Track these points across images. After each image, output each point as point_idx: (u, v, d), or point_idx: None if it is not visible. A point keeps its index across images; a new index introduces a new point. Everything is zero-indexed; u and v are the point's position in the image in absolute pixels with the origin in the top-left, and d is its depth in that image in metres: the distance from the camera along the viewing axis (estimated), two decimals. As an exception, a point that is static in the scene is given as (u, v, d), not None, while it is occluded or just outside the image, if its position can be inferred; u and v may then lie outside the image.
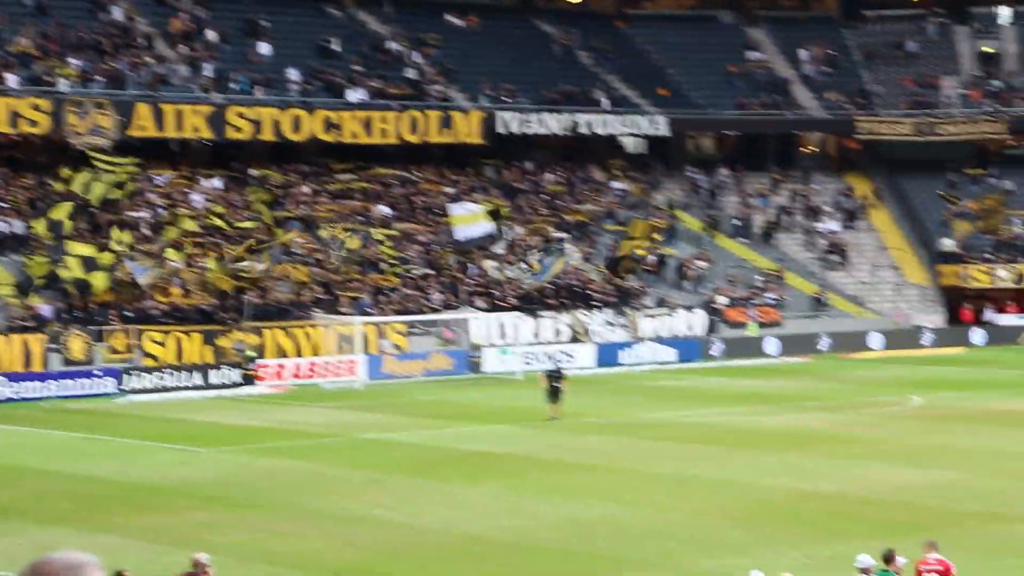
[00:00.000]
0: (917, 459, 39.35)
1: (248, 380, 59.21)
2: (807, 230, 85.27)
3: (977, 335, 79.78)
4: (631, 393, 57.31)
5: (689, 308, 73.88)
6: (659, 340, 71.32)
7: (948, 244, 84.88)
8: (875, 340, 76.33)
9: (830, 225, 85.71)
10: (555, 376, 48.13)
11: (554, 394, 47.67)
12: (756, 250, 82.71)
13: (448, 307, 68.92)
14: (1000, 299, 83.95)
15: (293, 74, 76.64)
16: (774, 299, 77.70)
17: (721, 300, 76.06)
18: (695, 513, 32.27)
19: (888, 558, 20.75)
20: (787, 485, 35.75)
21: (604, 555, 28.11)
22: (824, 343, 74.80)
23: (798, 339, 74.48)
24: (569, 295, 72.56)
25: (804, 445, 42.25)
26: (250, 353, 60.41)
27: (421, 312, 67.50)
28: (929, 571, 20.91)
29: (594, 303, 72.40)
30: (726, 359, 71.24)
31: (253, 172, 74.25)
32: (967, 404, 51.95)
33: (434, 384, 61.32)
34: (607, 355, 69.22)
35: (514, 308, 69.58)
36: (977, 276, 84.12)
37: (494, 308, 69.43)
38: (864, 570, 20.49)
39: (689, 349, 71.61)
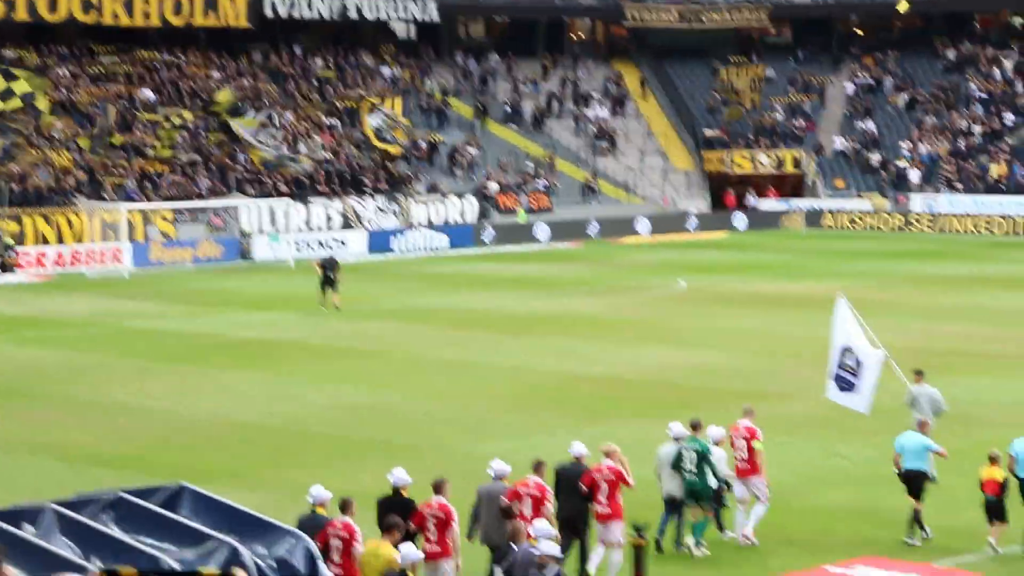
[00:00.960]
0: (683, 341, 40.26)
1: (7, 268, 57.36)
2: (576, 117, 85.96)
3: (740, 220, 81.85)
4: (404, 280, 57.27)
5: (460, 195, 73.95)
6: (431, 227, 71.36)
7: (711, 131, 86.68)
8: (642, 225, 77.67)
9: (599, 112, 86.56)
10: (330, 265, 47.66)
11: (329, 283, 47.25)
12: (526, 136, 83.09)
13: (216, 194, 67.66)
14: (761, 184, 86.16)
15: (50, -49, 73.60)
16: (544, 185, 78.32)
17: (492, 186, 76.32)
18: (468, 398, 32.48)
19: (695, 426, 21.29)
20: (559, 368, 36.24)
21: (376, 440, 28.12)
22: (593, 229, 75.81)
23: (568, 225, 75.32)
24: (340, 182, 71.92)
25: (575, 329, 42.85)
26: (7, 241, 58.47)
27: (189, 199, 66.13)
28: (739, 437, 21.54)
29: (365, 190, 71.93)
30: (497, 245, 71.70)
31: (9, 54, 71.32)
32: (731, 287, 53.30)
33: (203, 272, 60.34)
34: (379, 242, 69.00)
35: (284, 195, 68.68)
36: (739, 162, 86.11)
37: (264, 194, 68.40)
38: (676, 438, 21.06)
39: (461, 235, 71.83)
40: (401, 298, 50.97)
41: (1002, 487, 20.85)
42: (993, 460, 21.09)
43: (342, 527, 16.69)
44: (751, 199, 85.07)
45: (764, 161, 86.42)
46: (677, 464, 20.69)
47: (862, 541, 21.12)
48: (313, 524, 16.88)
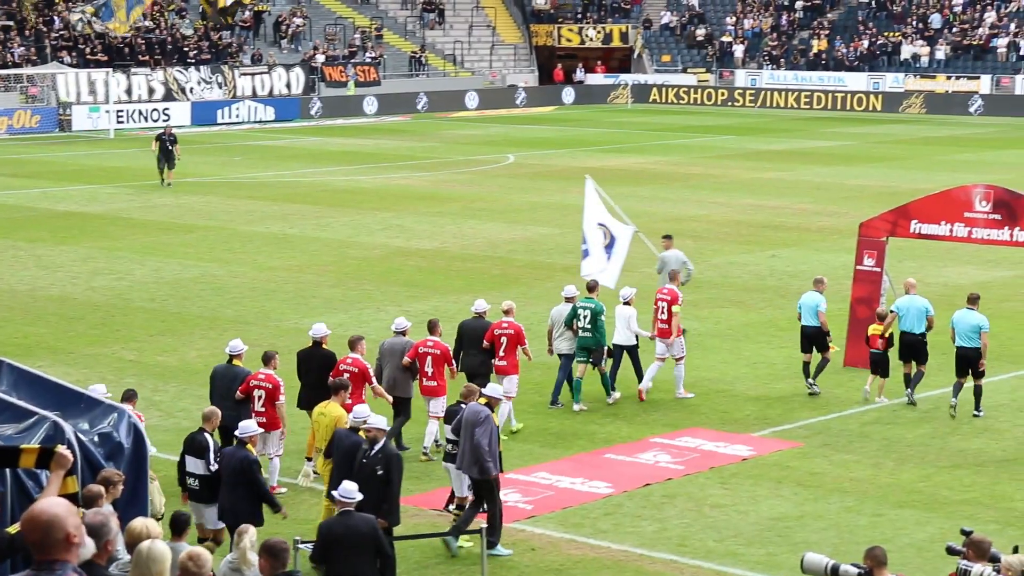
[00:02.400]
0: (510, 216, 40.36)
1: None
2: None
3: (568, 94, 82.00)
4: (230, 153, 56.35)
5: (287, 66, 72.74)
6: (257, 99, 70.15)
7: (540, 4, 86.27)
8: (471, 99, 77.37)
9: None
10: (169, 140, 46.10)
11: (167, 158, 45.83)
12: (353, 7, 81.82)
13: (32, 62, 65.48)
14: (589, 59, 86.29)
15: None
16: (372, 58, 77.40)
17: (319, 58, 75.18)
18: (293, 271, 32.21)
19: (591, 287, 22.23)
20: (386, 243, 36.10)
21: (201, 315, 27.76)
22: (422, 102, 75.30)
23: (396, 98, 74.70)
24: (162, 51, 70.12)
25: (403, 203, 42.67)
26: None
27: (3, 67, 63.90)
28: (662, 300, 22.32)
29: (189, 60, 70.27)
30: (325, 118, 70.87)
31: None
32: (559, 162, 53.48)
33: (19, 142, 58.58)
34: (203, 114, 67.62)
35: (104, 64, 66.77)
36: (568, 36, 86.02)
37: (83, 64, 66.42)
38: (568, 298, 21.80)
39: (287, 108, 70.78)
40: (226, 171, 50.16)
41: (888, 342, 21.85)
42: (880, 318, 22.01)
43: (265, 378, 17.39)
44: (579, 73, 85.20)
45: (592, 35, 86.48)
46: (570, 321, 21.49)
47: (688, 413, 21.54)
48: (232, 375, 17.74)
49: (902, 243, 25.91)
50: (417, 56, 79.53)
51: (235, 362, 18.06)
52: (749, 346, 24.43)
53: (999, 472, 18.66)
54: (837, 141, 61.23)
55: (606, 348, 21.79)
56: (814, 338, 22.35)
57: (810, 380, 22.29)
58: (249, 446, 14.91)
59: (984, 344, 20.98)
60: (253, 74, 71.02)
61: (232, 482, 14.67)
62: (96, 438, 14.28)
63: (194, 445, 15.29)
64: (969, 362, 21.08)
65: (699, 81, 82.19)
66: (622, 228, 25.34)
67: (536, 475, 18.45)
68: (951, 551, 11.55)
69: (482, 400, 16.23)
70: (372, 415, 15.25)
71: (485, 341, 20.16)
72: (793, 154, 56.16)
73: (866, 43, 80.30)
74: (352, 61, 76.25)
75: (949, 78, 75.91)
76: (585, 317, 21.45)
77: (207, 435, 15.34)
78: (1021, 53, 76.54)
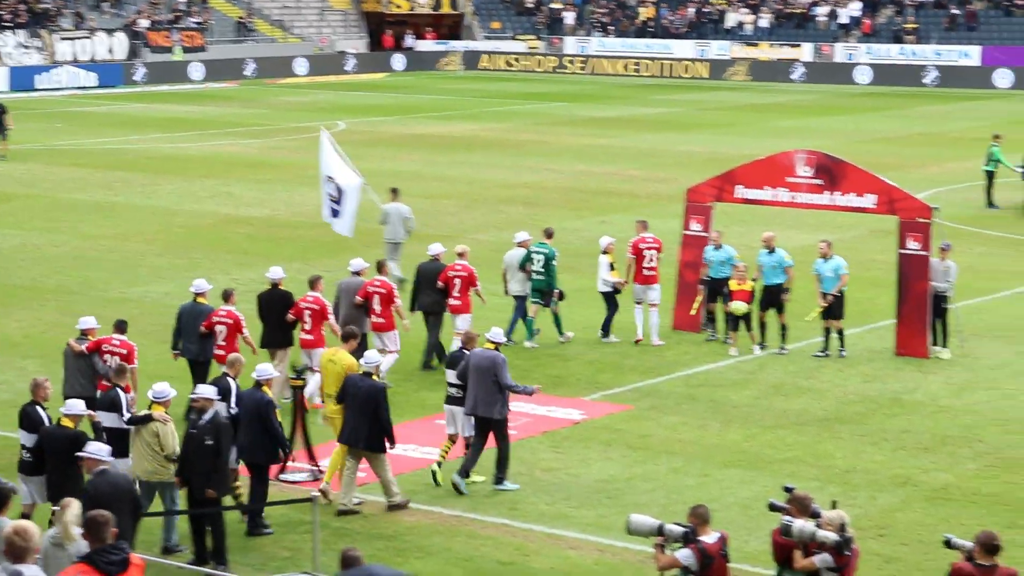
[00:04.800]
0: (341, 182, 39.99)
1: None
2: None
3: (398, 61, 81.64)
4: (50, 120, 55.01)
5: (110, 31, 71.17)
6: (78, 64, 68.54)
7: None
8: (300, 65, 76.60)
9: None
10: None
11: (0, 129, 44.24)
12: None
13: None
14: (420, 25, 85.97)
15: None
16: (198, 23, 76.11)
17: (143, 23, 73.71)
18: (118, 240, 31.62)
19: (549, 233, 23.56)
20: (214, 210, 35.62)
21: (21, 285, 27.11)
22: (250, 68, 74.33)
23: (224, 64, 73.61)
24: (-22, 15, 68.12)
25: (231, 171, 42.12)
26: None
27: None
28: (648, 248, 23.40)
29: (5, 23, 68.35)
30: (150, 84, 69.57)
31: None
32: (389, 129, 53.26)
33: None
34: (21, 79, 65.89)
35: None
36: (397, 1, 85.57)
37: None
38: (520, 243, 23.16)
39: (110, 74, 69.31)
40: (47, 139, 48.97)
41: (751, 296, 22.60)
42: (741, 278, 22.65)
43: (226, 314, 18.90)
44: (409, 40, 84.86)
45: (422, 1, 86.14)
46: (523, 264, 22.90)
47: (519, 378, 21.63)
48: (197, 312, 19.15)
49: (728, 208, 26.34)
50: (244, 21, 78.43)
51: (199, 300, 19.37)
52: (580, 311, 24.64)
53: (820, 431, 19.12)
54: (665, 108, 61.97)
55: (558, 291, 23.14)
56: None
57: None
58: (265, 388, 15.62)
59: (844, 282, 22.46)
60: (74, 38, 69.36)
61: (248, 420, 15.42)
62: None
63: (219, 389, 15.78)
64: (831, 306, 22.35)
65: (529, 48, 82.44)
66: (350, 180, 25.97)
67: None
68: (774, 508, 11.81)
69: (489, 345, 17.04)
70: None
71: (439, 282, 21.83)
72: (622, 121, 56.69)
73: (692, 11, 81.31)
74: (177, 26, 74.89)
75: (772, 46, 77.31)
76: (539, 261, 22.97)
77: (230, 379, 15.97)
78: (840, 21, 78.23)
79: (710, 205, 24.37)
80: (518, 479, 17.06)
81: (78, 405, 14.87)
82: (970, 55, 72.82)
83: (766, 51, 77.10)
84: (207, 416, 14.73)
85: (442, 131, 52.49)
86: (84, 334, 17.84)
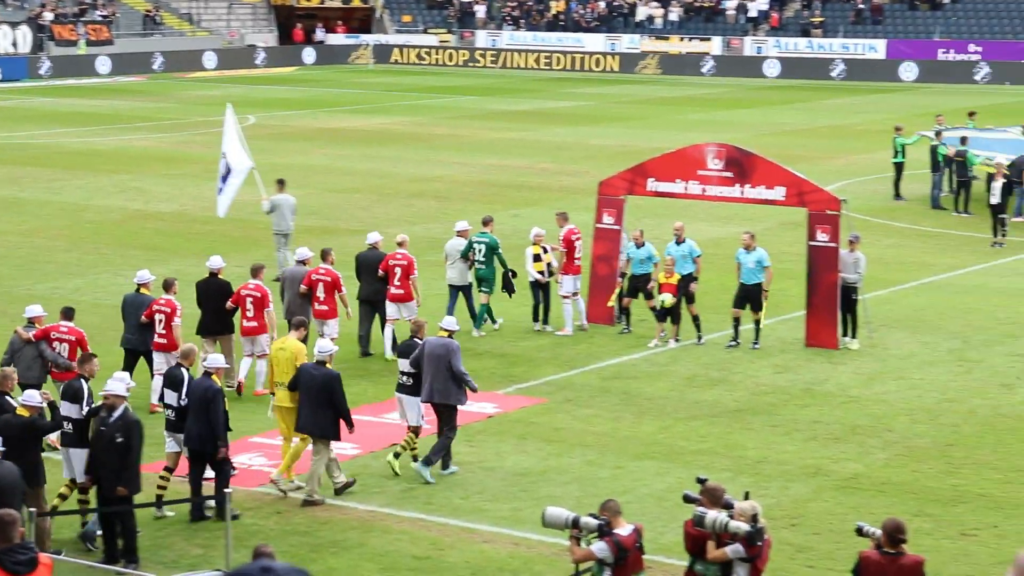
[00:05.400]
0: (252, 177, 39.65)
1: None
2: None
3: (309, 54, 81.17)
4: (-47, 114, 54.18)
5: (13, 24, 70.13)
6: (-19, 57, 67.58)
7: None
8: (209, 59, 75.94)
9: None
10: None
11: None
12: (85, -36, 79.38)
13: None
14: (330, 18, 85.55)
15: None
16: (105, 16, 75.23)
17: (47, 16, 72.72)
18: (25, 236, 31.18)
19: (486, 221, 23.74)
20: (123, 206, 35.23)
21: (-71, 283, 26.65)
22: (158, 62, 73.59)
23: (131, 57, 72.83)
24: None
25: (141, 166, 41.69)
26: None
27: None
28: (577, 238, 23.45)
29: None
30: (55, 78, 68.66)
31: None
32: (300, 123, 52.95)
33: None
34: (-75, 73, 64.90)
35: None
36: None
37: None
38: (460, 231, 23.31)
39: (14, 67, 68.32)
40: (-49, 133, 48.22)
41: (678, 289, 22.68)
42: (669, 271, 22.73)
43: (165, 303, 19.26)
44: (320, 33, 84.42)
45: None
46: (466, 253, 23.08)
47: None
48: (140, 301, 19.49)
49: (640, 201, 26.44)
50: (152, 15, 77.63)
51: (142, 291, 19.70)
52: (493, 303, 24.62)
53: (732, 422, 19.25)
54: (577, 101, 62.12)
55: (511, 271, 23.32)
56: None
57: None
58: (214, 376, 15.75)
59: (768, 276, 22.61)
60: (-22, 32, 68.28)
61: (196, 409, 15.57)
62: None
63: (172, 379, 15.97)
64: (749, 296, 22.57)
65: (440, 42, 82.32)
66: (242, 162, 25.96)
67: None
68: (688, 499, 11.87)
69: (443, 333, 17.17)
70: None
71: (380, 270, 21.99)
72: (534, 114, 56.76)
73: (603, 4, 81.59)
74: (82, 19, 73.96)
75: (682, 39, 77.76)
76: (480, 250, 23.16)
77: (184, 369, 16.02)
78: (749, 15, 78.86)
79: (622, 198, 24.44)
80: (432, 473, 17.02)
81: (35, 397, 14.74)
82: (876, 48, 73.73)
83: (676, 44, 77.53)
84: (117, 413, 14.56)
85: (353, 125, 52.26)
86: (31, 322, 17.87)
